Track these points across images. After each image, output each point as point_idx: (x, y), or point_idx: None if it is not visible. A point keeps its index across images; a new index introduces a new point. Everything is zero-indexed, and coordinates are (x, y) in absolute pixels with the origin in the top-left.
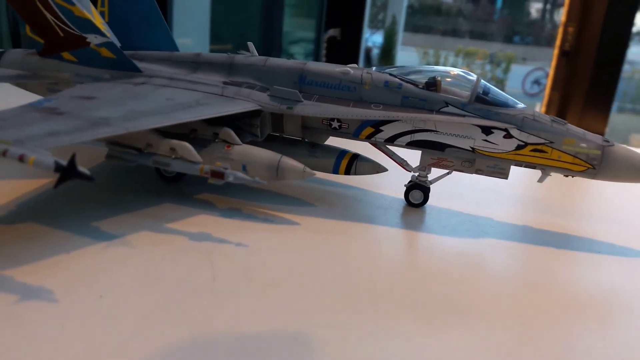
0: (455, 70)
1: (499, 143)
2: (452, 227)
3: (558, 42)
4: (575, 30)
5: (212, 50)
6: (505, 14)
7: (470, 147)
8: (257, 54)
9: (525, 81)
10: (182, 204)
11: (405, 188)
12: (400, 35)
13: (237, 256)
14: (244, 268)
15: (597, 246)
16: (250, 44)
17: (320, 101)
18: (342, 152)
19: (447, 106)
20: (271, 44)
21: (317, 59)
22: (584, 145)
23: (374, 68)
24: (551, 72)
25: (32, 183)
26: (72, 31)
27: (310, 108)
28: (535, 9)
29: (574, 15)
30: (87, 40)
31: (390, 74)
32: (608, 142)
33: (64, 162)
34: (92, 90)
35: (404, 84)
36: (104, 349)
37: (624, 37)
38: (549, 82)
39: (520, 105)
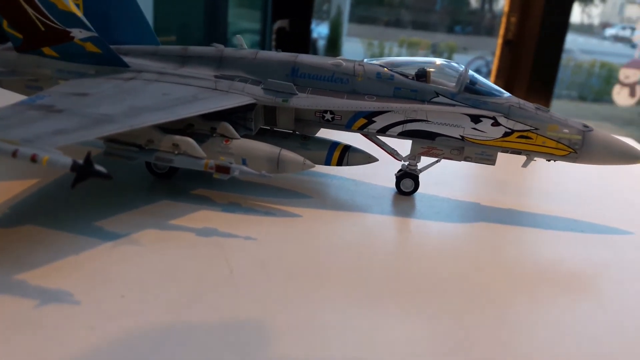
0: (442, 61)
1: (487, 131)
2: (445, 213)
3: (501, 31)
4: (517, 20)
5: None
6: (446, 4)
7: (460, 136)
8: (246, 47)
9: None
10: (179, 200)
11: (395, 177)
12: (345, 26)
13: (249, 249)
14: (258, 260)
15: (581, 226)
16: (239, 37)
17: (314, 93)
18: (334, 144)
19: (438, 96)
20: (216, 35)
21: (264, 50)
22: (566, 130)
23: (365, 60)
24: (495, 60)
25: (19, 184)
26: (54, 25)
27: (305, 100)
28: None
29: (516, 5)
30: (72, 34)
31: (381, 66)
32: (587, 127)
33: (80, 161)
34: (83, 86)
35: (396, 75)
36: (140, 347)
37: (563, 27)
38: (493, 71)
39: (506, 94)
